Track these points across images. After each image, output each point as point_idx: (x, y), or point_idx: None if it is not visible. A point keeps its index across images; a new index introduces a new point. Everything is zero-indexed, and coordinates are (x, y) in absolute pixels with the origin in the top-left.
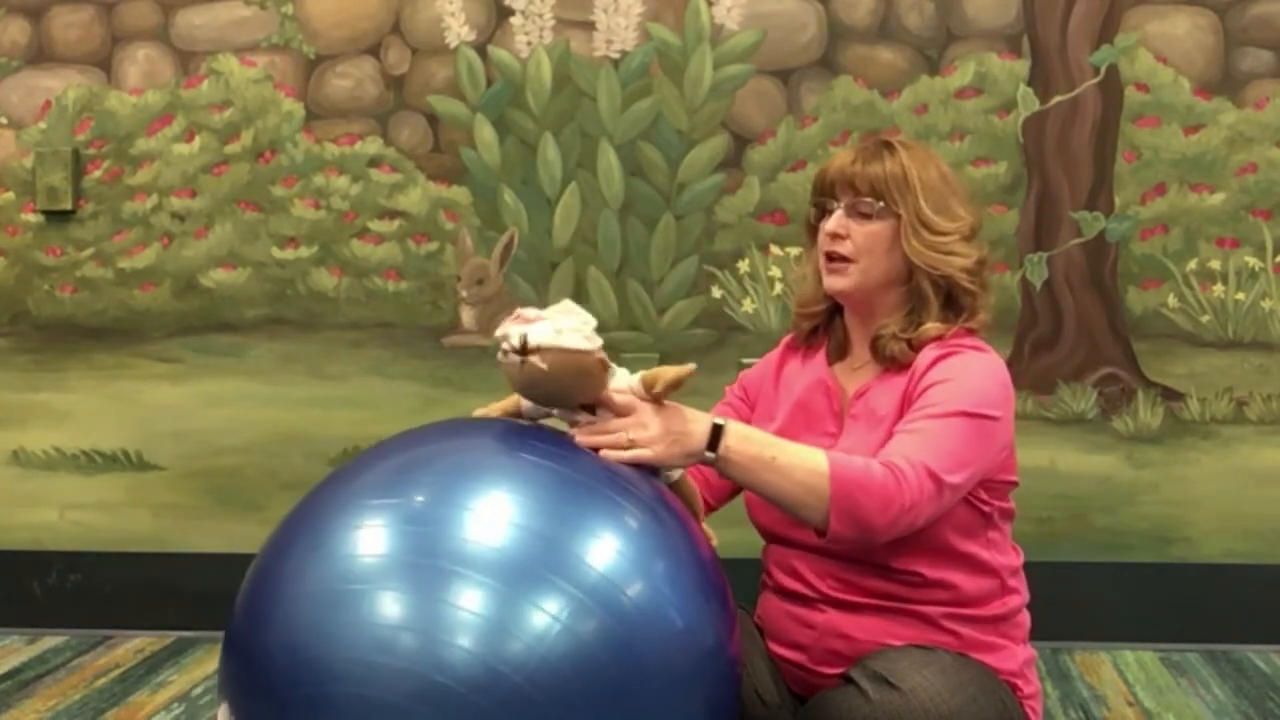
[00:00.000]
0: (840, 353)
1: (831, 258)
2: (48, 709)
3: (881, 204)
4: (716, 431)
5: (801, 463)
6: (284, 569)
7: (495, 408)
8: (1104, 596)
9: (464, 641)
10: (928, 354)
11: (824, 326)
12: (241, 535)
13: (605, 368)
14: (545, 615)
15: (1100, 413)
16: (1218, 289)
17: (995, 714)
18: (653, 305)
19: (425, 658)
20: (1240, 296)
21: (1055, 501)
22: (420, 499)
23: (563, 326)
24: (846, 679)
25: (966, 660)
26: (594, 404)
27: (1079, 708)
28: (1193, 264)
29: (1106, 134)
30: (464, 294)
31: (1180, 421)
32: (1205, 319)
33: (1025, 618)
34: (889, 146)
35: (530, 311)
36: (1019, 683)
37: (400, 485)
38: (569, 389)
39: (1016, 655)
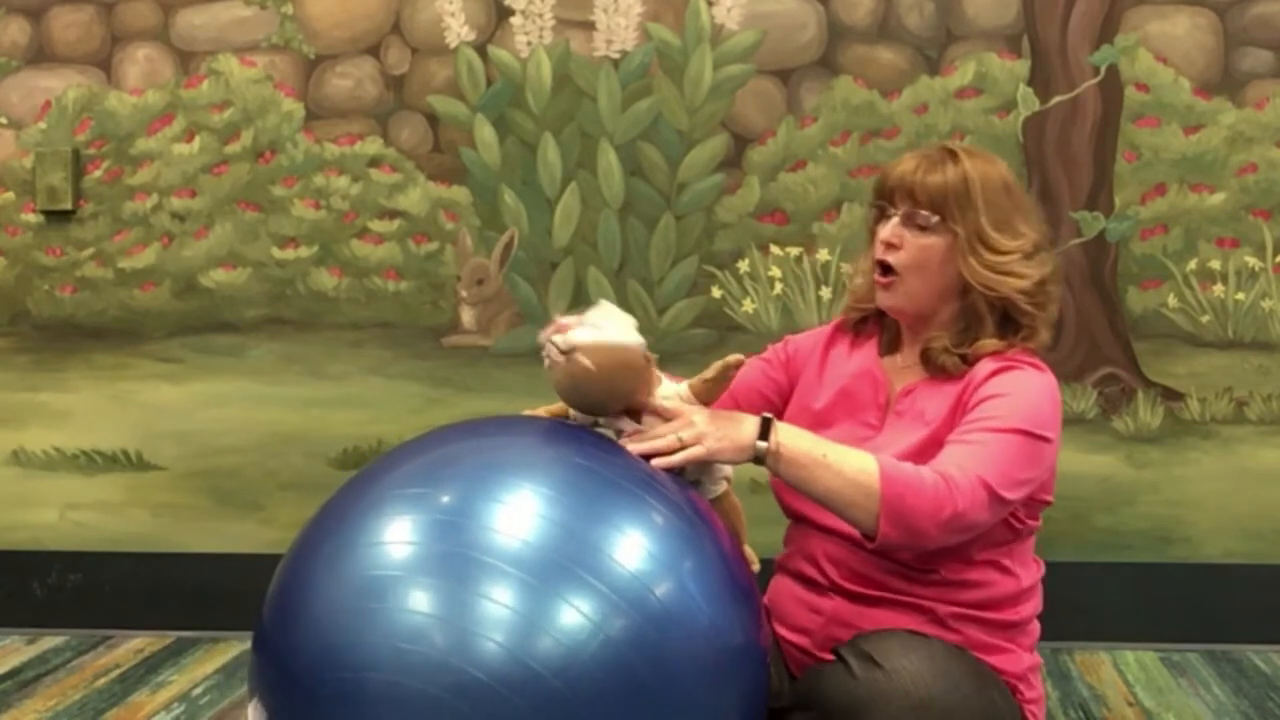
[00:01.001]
0: (891, 347)
1: (881, 265)
2: (48, 709)
3: (938, 219)
4: (765, 425)
5: (852, 461)
6: (317, 556)
7: (544, 410)
8: (1104, 596)
9: (497, 636)
10: (985, 365)
11: (874, 319)
12: (241, 535)
13: (649, 362)
14: (578, 614)
15: (1100, 413)
16: (1218, 289)
17: (980, 707)
18: (653, 305)
19: (459, 650)
20: (1240, 296)
21: (1055, 501)
22: (455, 491)
23: (602, 324)
24: (837, 656)
25: (961, 653)
26: (640, 410)
27: (1079, 708)
28: (1193, 264)
29: (1106, 134)
30: (464, 294)
31: (1180, 421)
32: (1205, 319)
33: (1035, 628)
34: (953, 155)
35: (568, 319)
36: (1021, 686)
37: (435, 478)
38: (615, 388)
39: (1021, 660)
